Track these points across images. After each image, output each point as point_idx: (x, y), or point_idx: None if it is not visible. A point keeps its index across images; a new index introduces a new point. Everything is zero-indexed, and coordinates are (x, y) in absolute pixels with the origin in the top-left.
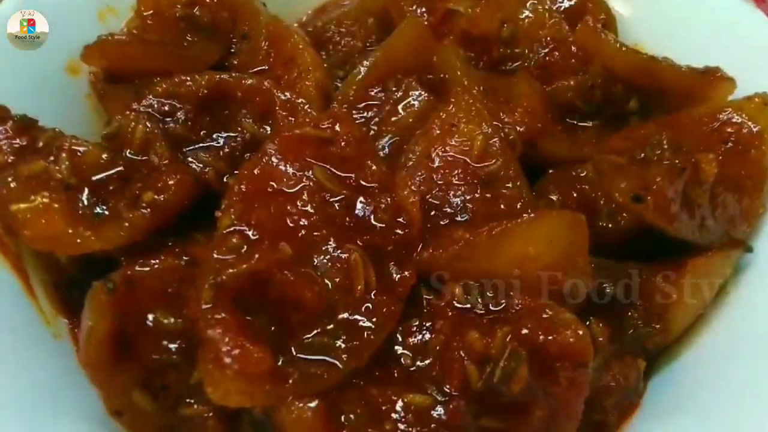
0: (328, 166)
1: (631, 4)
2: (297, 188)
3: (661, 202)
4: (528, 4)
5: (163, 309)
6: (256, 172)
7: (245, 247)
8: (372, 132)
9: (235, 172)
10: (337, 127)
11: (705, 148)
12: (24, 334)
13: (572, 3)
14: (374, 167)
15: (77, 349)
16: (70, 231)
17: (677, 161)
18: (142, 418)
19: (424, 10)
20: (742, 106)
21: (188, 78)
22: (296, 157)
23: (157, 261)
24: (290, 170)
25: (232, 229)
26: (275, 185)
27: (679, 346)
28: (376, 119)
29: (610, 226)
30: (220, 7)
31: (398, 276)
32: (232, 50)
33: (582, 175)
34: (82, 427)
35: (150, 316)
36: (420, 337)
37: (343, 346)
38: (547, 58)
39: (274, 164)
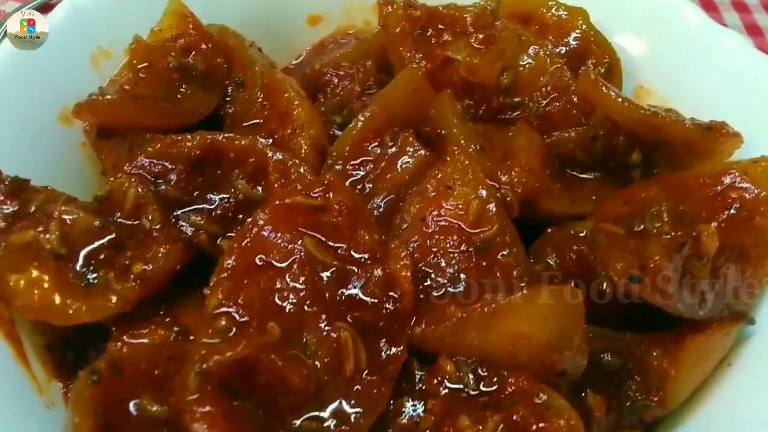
0: (319, 236)
1: (638, 45)
2: (287, 261)
3: (659, 282)
4: (530, 50)
5: (150, 394)
6: (245, 243)
7: (233, 329)
8: (367, 189)
9: (228, 234)
10: (329, 195)
11: (708, 215)
12: (14, 405)
13: (576, 45)
14: (367, 237)
15: None
16: (61, 302)
17: (677, 233)
18: None
19: (422, 56)
20: (748, 169)
21: (180, 138)
22: (287, 226)
23: (146, 339)
24: (280, 241)
25: (219, 310)
26: (265, 258)
27: (678, 414)
28: (372, 175)
29: (608, 290)
30: (215, 53)
31: (389, 353)
32: (228, 98)
33: (581, 235)
34: None
35: (136, 404)
36: (411, 417)
37: (333, 429)
38: (548, 108)
39: (265, 235)
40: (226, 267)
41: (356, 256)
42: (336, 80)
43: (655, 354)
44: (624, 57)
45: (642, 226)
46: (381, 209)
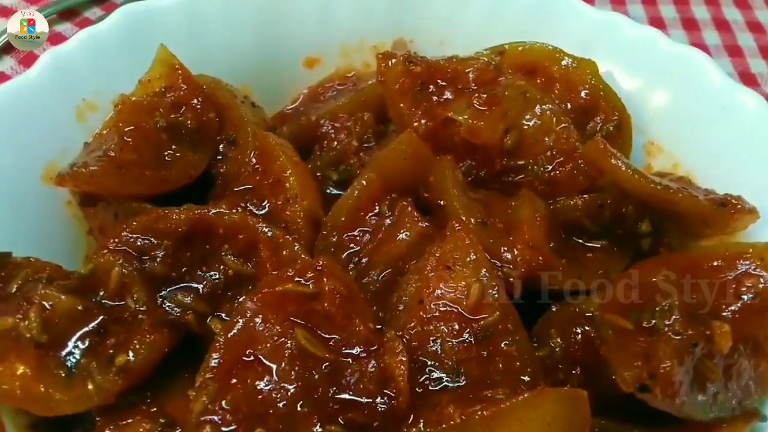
0: (311, 326)
1: (651, 97)
2: (277, 355)
3: (669, 389)
4: (535, 108)
5: None
6: (232, 335)
7: None
8: (363, 262)
9: (217, 313)
10: (323, 281)
11: (720, 303)
12: None
13: (584, 99)
14: (361, 327)
15: None
16: (42, 393)
17: (689, 332)
18: None
19: (421, 113)
20: (764, 254)
21: (167, 213)
22: (277, 316)
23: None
24: (270, 333)
25: (204, 418)
26: (253, 352)
27: None
28: (368, 247)
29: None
30: (207, 108)
31: None
32: (219, 156)
33: (587, 315)
34: None
35: None
36: None
37: None
38: (553, 173)
39: (253, 326)
40: (212, 366)
41: (350, 349)
42: (333, 133)
43: None
44: (634, 109)
45: (652, 322)
46: (377, 284)
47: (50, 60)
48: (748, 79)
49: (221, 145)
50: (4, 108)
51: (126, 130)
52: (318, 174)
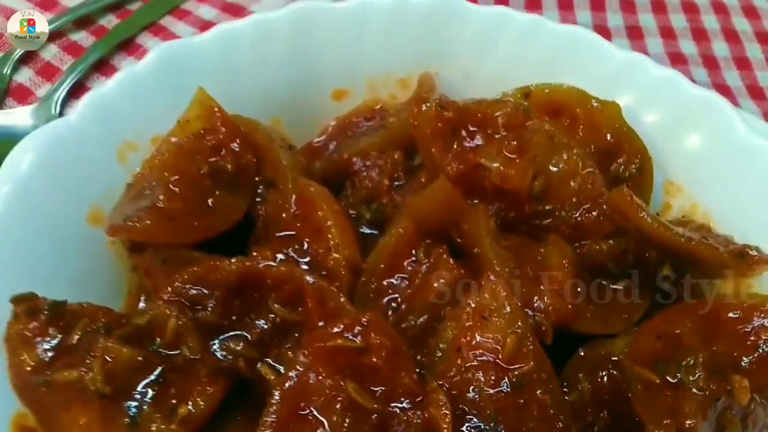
0: (359, 378)
1: (672, 138)
2: (329, 407)
3: None
4: (562, 153)
5: None
6: (287, 387)
7: None
8: (402, 308)
9: (267, 359)
10: (371, 335)
11: (739, 354)
12: None
13: (607, 141)
14: (406, 380)
15: None
16: None
17: (712, 387)
18: None
19: (452, 156)
20: None
21: (218, 265)
22: (328, 370)
23: None
24: (322, 386)
25: None
26: (307, 405)
27: None
28: (407, 292)
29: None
30: (245, 150)
31: None
32: (258, 198)
33: (613, 358)
34: None
35: None
36: None
37: None
38: (580, 219)
39: (307, 379)
40: (271, 421)
41: (396, 402)
42: (364, 171)
43: None
44: (654, 147)
45: (677, 376)
46: (415, 329)
47: (90, 102)
48: None
49: (259, 187)
50: (46, 152)
51: (172, 178)
52: (351, 212)
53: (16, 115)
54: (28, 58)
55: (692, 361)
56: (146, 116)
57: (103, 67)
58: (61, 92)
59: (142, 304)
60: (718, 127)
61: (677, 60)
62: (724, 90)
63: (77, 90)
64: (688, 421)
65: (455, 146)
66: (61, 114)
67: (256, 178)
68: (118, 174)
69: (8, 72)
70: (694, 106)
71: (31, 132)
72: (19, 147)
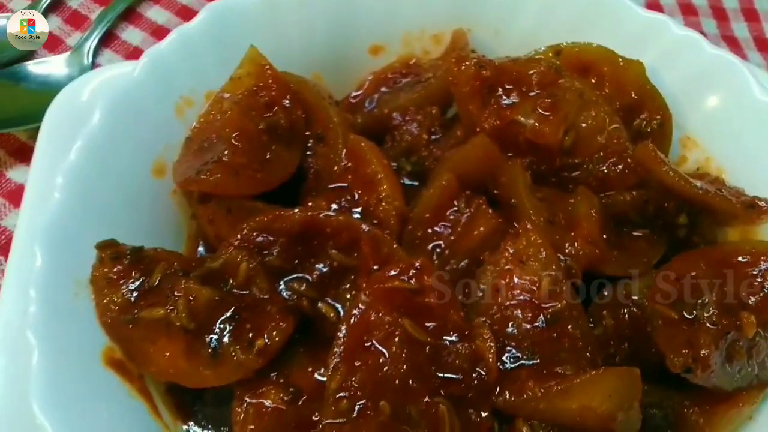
0: (414, 315)
1: (690, 95)
2: (389, 341)
3: (707, 370)
4: (591, 110)
5: None
6: (353, 323)
7: (354, 410)
8: (445, 252)
9: (326, 298)
10: (424, 278)
11: (748, 293)
12: None
13: (632, 98)
14: (455, 317)
15: None
16: (191, 369)
17: (723, 322)
18: None
19: (488, 113)
20: None
21: (282, 214)
22: (387, 308)
23: (266, 399)
24: (382, 322)
25: (339, 395)
26: (370, 338)
27: None
28: (450, 239)
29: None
30: (296, 107)
31: (477, 420)
32: (309, 152)
33: (634, 297)
34: None
35: None
36: None
37: None
38: (606, 171)
39: (369, 317)
40: (340, 351)
41: (447, 335)
42: (404, 126)
43: (693, 415)
44: (673, 104)
45: (693, 313)
46: (457, 272)
47: (148, 61)
48: None
49: (309, 142)
50: (112, 109)
51: (233, 134)
52: (393, 164)
53: (52, 64)
54: (55, 6)
55: (706, 300)
56: (200, 73)
57: (130, 16)
58: (92, 41)
59: (200, 249)
60: (734, 87)
61: (688, 11)
62: (732, 41)
63: (107, 39)
64: (702, 351)
65: (492, 103)
66: (93, 63)
67: (306, 133)
68: (177, 128)
69: None
70: (711, 66)
71: (66, 80)
72: (87, 101)
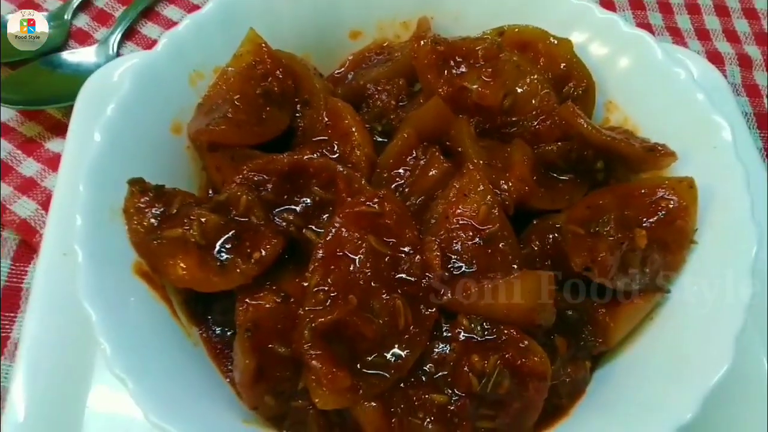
0: (377, 233)
1: (612, 67)
2: (357, 252)
3: (603, 270)
4: (526, 78)
5: (277, 342)
6: (328, 239)
7: (328, 300)
8: (405, 191)
9: (309, 225)
10: (385, 204)
11: (644, 217)
12: (176, 345)
13: (561, 70)
14: (410, 234)
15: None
16: (203, 276)
17: (619, 235)
18: (268, 410)
19: (443, 81)
20: (674, 186)
21: (275, 158)
22: (356, 227)
23: (262, 302)
24: (352, 237)
25: (317, 289)
26: (342, 250)
27: (615, 350)
28: (409, 181)
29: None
30: (287, 77)
31: (426, 314)
32: (297, 114)
33: (557, 226)
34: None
35: (271, 347)
36: (440, 354)
37: (391, 363)
38: (537, 127)
39: (341, 234)
40: (319, 258)
41: (403, 248)
42: (376, 95)
43: (601, 313)
44: (600, 76)
45: (597, 229)
46: (415, 206)
47: (167, 41)
48: None
49: (298, 106)
50: (138, 80)
51: (235, 97)
52: (366, 125)
53: (82, 54)
54: (84, 5)
55: (607, 219)
56: (209, 51)
57: (149, 13)
58: (117, 35)
59: (210, 194)
60: (644, 57)
61: (637, 6)
62: (675, 32)
63: (129, 33)
64: (600, 254)
65: (446, 73)
66: (118, 53)
67: (295, 99)
68: (191, 96)
69: (69, 18)
70: (627, 42)
71: (94, 67)
72: (119, 75)
